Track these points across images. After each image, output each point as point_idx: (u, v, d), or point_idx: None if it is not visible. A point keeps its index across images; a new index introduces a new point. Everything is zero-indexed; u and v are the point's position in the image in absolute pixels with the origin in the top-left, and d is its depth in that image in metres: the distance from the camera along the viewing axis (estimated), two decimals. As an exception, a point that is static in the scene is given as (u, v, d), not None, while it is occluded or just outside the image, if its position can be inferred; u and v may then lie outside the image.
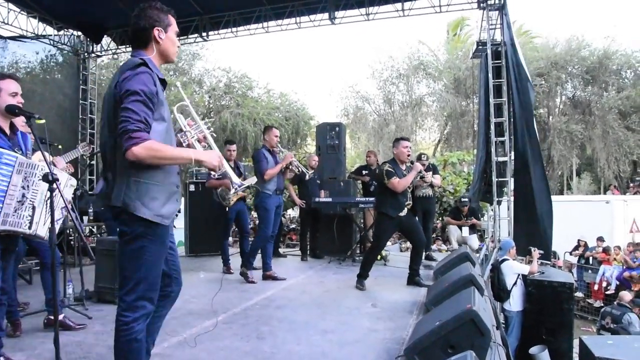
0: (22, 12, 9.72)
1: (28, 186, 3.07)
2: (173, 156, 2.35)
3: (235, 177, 3.21)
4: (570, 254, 14.16)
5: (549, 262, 8.92)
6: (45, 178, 2.80)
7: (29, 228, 3.07)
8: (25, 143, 3.30)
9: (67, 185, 3.66)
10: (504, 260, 7.67)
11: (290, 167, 6.71)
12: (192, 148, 2.75)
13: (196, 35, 10.86)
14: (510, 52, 8.50)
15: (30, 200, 3.06)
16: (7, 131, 3.14)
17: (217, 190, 7.02)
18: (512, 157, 8.75)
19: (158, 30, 2.46)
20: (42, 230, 3.12)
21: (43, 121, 3.37)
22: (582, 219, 13.87)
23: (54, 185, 2.78)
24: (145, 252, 2.37)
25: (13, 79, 3.18)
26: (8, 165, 3.01)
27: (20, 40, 9.94)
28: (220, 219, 7.17)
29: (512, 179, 8.79)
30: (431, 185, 8.37)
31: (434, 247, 10.25)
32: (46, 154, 2.93)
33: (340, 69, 51.42)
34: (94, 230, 9.69)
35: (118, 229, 2.42)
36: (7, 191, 3.01)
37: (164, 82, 2.45)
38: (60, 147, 3.80)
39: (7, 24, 9.44)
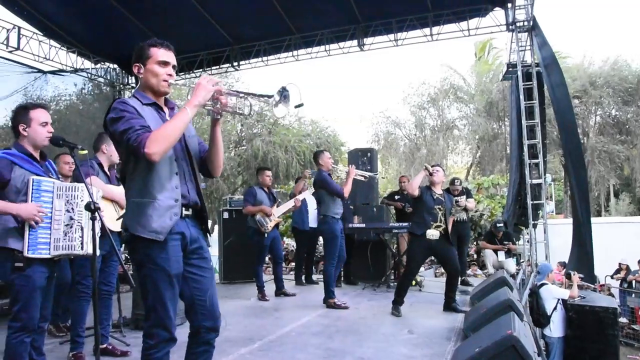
0: (62, 47, 10.11)
1: (73, 208, 3.15)
2: (175, 126, 2.35)
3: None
4: (612, 277, 13.73)
5: (592, 285, 8.69)
6: (87, 207, 2.89)
7: (82, 249, 3.16)
8: (54, 170, 3.39)
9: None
10: (542, 284, 7.49)
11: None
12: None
13: (228, 65, 11.09)
14: (545, 73, 8.42)
15: (78, 222, 3.14)
16: (37, 158, 3.22)
17: (256, 217, 7.07)
18: (548, 180, 8.62)
19: (137, 66, 2.52)
20: (92, 249, 3.22)
21: (86, 152, 3.49)
22: (621, 241, 13.47)
23: (96, 214, 2.87)
24: (148, 281, 2.40)
25: (43, 109, 3.26)
26: (47, 192, 3.11)
27: (60, 74, 10.33)
28: (254, 245, 7.21)
29: (547, 202, 8.63)
30: (465, 210, 8.30)
31: (469, 272, 10.09)
32: (87, 181, 3.01)
33: (370, 94, 51.66)
34: (129, 257, 9.85)
35: None
36: (53, 217, 3.11)
37: (156, 105, 2.53)
38: (85, 152, 3.89)
39: (49, 59, 9.83)
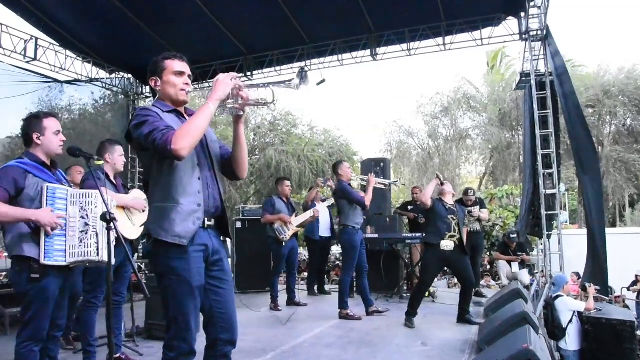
0: (78, 58, 10.23)
1: (87, 215, 3.16)
2: (199, 121, 2.36)
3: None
4: (628, 289, 13.53)
5: (607, 298, 8.57)
6: (103, 217, 2.90)
7: (97, 255, 3.16)
8: (65, 177, 3.40)
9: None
10: (557, 296, 7.40)
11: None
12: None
13: (241, 74, 11.14)
14: (557, 83, 8.37)
15: (93, 228, 3.15)
16: (49, 166, 3.24)
17: (274, 226, 7.10)
18: (562, 190, 8.54)
19: (153, 80, 2.58)
20: (106, 256, 3.23)
21: (102, 162, 3.53)
22: (638, 252, 13.28)
23: (112, 224, 2.88)
24: (169, 292, 2.40)
25: (54, 117, 3.30)
26: (61, 199, 3.13)
27: (75, 84, 10.45)
28: (272, 255, 7.23)
29: (562, 212, 8.54)
30: (479, 220, 8.26)
31: (482, 282, 10.01)
32: (104, 192, 3.02)
33: (383, 104, 51.64)
34: (142, 266, 9.89)
35: None
36: (67, 224, 3.12)
37: (177, 112, 2.57)
38: (101, 162, 3.93)
39: (65, 69, 9.95)
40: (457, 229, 6.07)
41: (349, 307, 6.43)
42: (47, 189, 3.08)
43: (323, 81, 7.15)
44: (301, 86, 2.47)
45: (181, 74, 2.56)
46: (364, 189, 6.67)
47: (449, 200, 6.28)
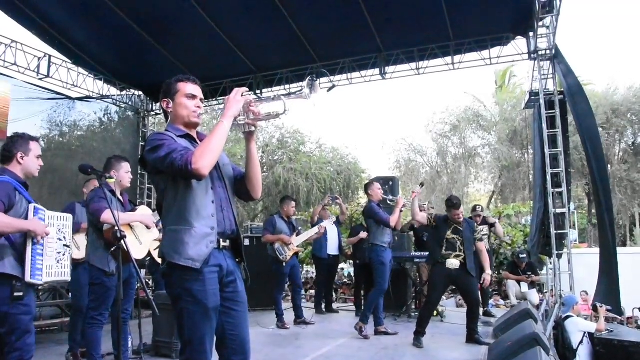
0: (90, 75, 10.37)
1: (65, 237, 3.23)
2: (216, 139, 2.38)
3: None
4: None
5: (620, 317, 8.47)
6: (113, 235, 2.94)
7: (69, 275, 3.26)
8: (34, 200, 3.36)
9: None
10: (568, 317, 7.32)
11: (402, 210, 6.68)
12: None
13: (251, 93, 11.23)
14: (570, 102, 8.36)
15: (70, 250, 3.24)
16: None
17: (275, 246, 7.10)
18: (572, 209, 8.48)
19: (165, 102, 2.61)
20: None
21: (114, 179, 3.57)
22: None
23: (122, 242, 2.92)
24: (185, 314, 2.39)
25: (38, 142, 3.38)
26: (41, 220, 3.16)
27: (87, 101, 10.56)
28: (273, 273, 7.22)
29: (571, 231, 8.48)
30: (488, 238, 8.20)
31: (491, 302, 9.91)
32: (115, 212, 3.05)
33: (392, 122, 51.68)
34: (150, 283, 9.87)
35: None
36: (45, 244, 3.14)
37: (190, 137, 2.59)
38: (113, 180, 3.95)
39: (77, 86, 10.10)
40: (462, 248, 6.04)
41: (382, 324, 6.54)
42: (35, 209, 3.12)
43: (333, 87, 7.23)
44: (311, 95, 2.48)
45: (194, 97, 2.60)
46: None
47: (457, 219, 6.23)
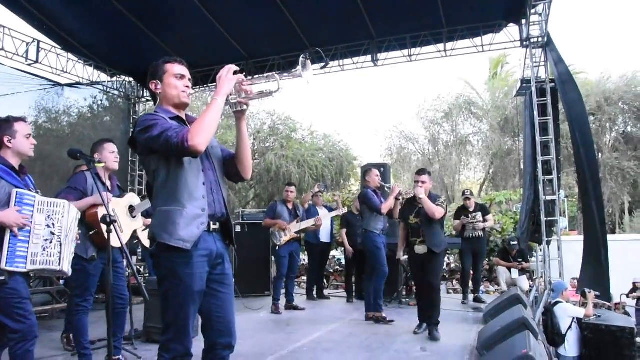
0: (79, 61, 10.25)
1: (54, 224, 3.18)
2: (211, 116, 2.39)
3: None
4: (627, 296, 13.51)
5: (608, 303, 8.56)
6: (103, 220, 2.92)
7: (59, 264, 3.17)
8: (33, 184, 3.37)
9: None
10: (557, 302, 7.40)
11: (399, 198, 6.58)
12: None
13: (244, 72, 11.14)
14: (561, 90, 8.38)
15: (58, 237, 3.17)
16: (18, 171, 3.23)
17: (271, 230, 7.20)
18: (562, 196, 8.54)
19: (153, 83, 2.60)
20: (66, 266, 3.22)
21: (103, 164, 3.55)
22: (637, 258, 13.27)
23: (112, 227, 2.90)
24: (170, 295, 2.41)
25: (24, 121, 3.31)
26: (29, 206, 3.11)
27: (76, 87, 10.47)
28: (268, 258, 7.27)
29: (561, 218, 8.54)
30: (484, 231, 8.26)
31: (482, 288, 9.99)
32: (104, 196, 3.04)
33: (384, 109, 51.62)
34: (142, 270, 9.88)
35: None
36: (32, 231, 3.10)
37: (180, 119, 2.58)
38: (102, 165, 3.91)
39: (66, 72, 9.98)
40: (422, 232, 5.75)
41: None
42: (17, 194, 3.06)
43: (327, 64, 7.32)
44: (304, 73, 2.50)
45: (182, 76, 2.60)
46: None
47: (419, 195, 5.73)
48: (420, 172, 6.04)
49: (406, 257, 6.23)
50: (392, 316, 6.80)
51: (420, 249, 5.72)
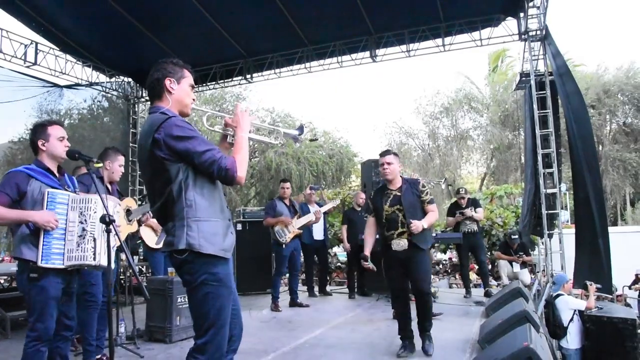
0: (78, 62, 10.26)
1: (86, 220, 3.25)
2: (247, 152, 2.54)
3: None
4: (630, 288, 13.51)
5: (610, 296, 8.56)
6: (102, 219, 2.97)
7: (94, 259, 3.23)
8: (72, 183, 3.51)
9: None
10: (558, 295, 7.41)
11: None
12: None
13: (240, 77, 11.16)
14: (559, 82, 8.37)
15: (91, 233, 3.23)
16: (56, 173, 3.36)
17: (275, 228, 7.16)
18: (563, 189, 8.53)
19: (169, 80, 2.57)
20: (104, 260, 3.26)
21: (101, 165, 3.60)
22: (638, 250, 13.26)
23: (111, 227, 2.95)
24: (210, 298, 2.43)
25: (59, 125, 3.43)
26: (62, 204, 3.23)
27: (75, 88, 10.47)
28: (268, 256, 7.26)
29: (562, 211, 8.53)
30: (475, 220, 8.23)
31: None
32: (104, 196, 3.08)
33: (383, 105, 51.56)
34: (143, 269, 9.90)
35: (182, 279, 2.51)
36: (67, 228, 3.21)
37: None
38: (100, 165, 3.94)
39: (65, 73, 9.99)
40: (404, 221, 4.65)
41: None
42: (48, 194, 3.18)
43: (316, 139, 7.59)
44: (300, 137, 3.01)
45: (193, 87, 2.68)
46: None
47: (395, 185, 4.84)
48: (385, 153, 4.98)
49: (366, 254, 5.05)
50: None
51: (400, 244, 4.67)
